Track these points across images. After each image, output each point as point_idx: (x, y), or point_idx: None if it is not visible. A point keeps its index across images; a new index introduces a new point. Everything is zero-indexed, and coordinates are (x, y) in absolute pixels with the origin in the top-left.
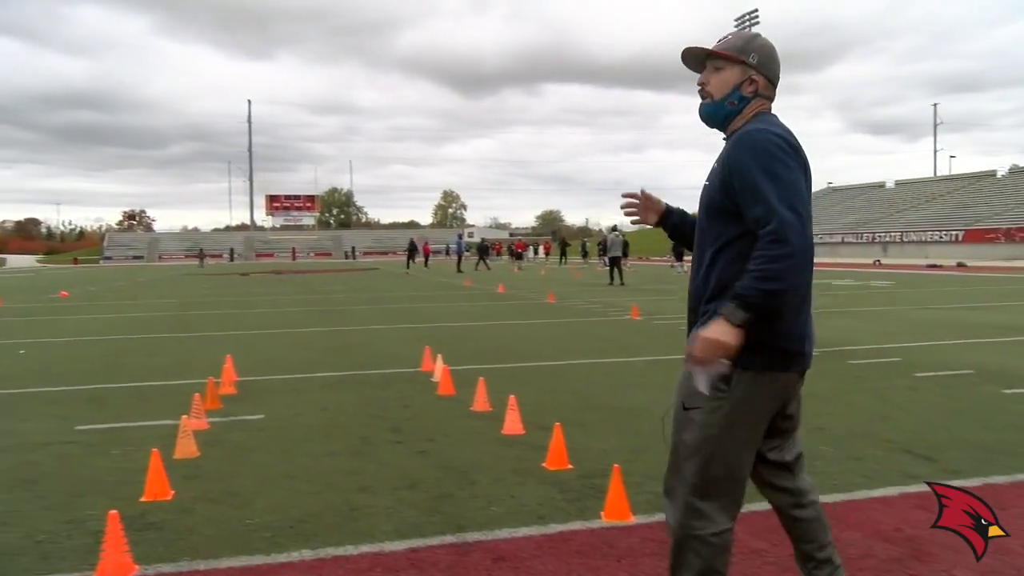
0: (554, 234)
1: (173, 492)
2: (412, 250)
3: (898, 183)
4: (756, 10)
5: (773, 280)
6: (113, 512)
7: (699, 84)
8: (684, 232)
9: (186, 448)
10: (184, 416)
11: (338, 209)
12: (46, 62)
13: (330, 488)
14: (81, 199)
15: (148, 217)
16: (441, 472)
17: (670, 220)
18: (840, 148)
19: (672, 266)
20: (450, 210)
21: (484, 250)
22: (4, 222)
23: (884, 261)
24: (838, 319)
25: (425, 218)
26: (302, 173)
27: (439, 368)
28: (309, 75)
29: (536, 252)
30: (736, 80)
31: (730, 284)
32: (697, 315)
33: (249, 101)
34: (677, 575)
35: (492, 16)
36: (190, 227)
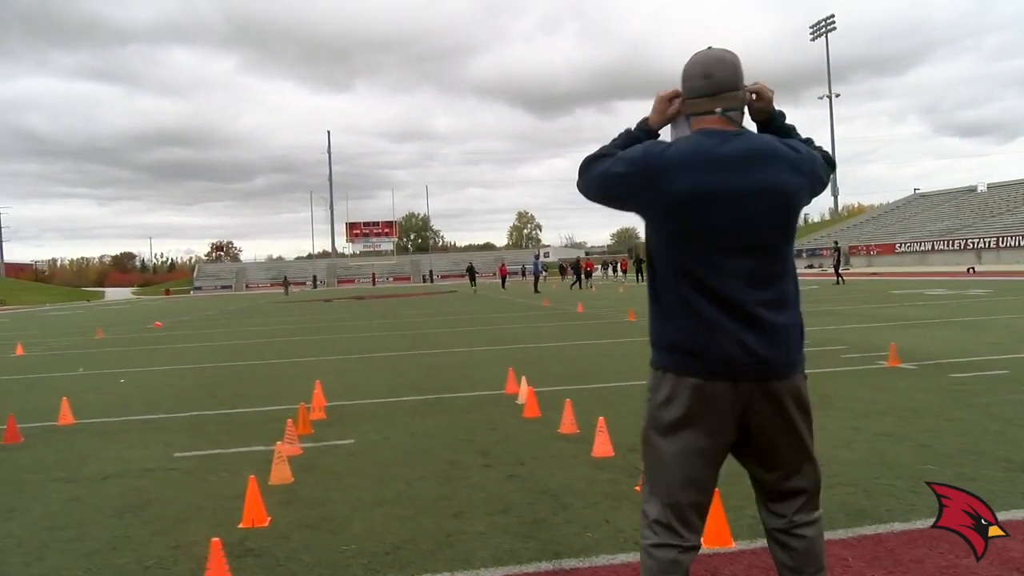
0: (630, 251)
1: (270, 518)
2: (472, 273)
3: (991, 186)
4: (832, 16)
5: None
6: (215, 540)
7: None
8: None
9: (281, 474)
10: (279, 442)
11: (415, 234)
12: (142, 104)
13: (424, 513)
14: (172, 232)
15: (235, 247)
16: (533, 496)
17: None
18: (926, 153)
19: None
20: (525, 231)
21: (579, 269)
22: (102, 257)
23: (979, 268)
24: (934, 330)
25: (500, 239)
26: (381, 200)
27: (524, 390)
28: (387, 104)
29: (615, 271)
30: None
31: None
32: None
33: (328, 132)
34: None
35: (564, 36)
36: (275, 256)
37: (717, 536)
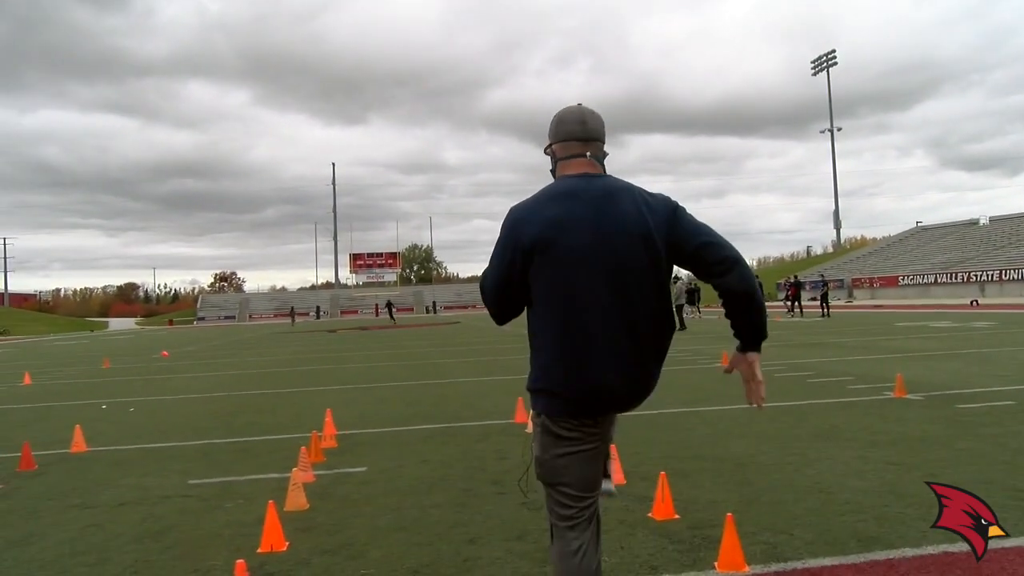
0: None
1: (288, 543)
2: (391, 308)
3: (993, 219)
4: (834, 51)
5: None
6: (240, 561)
7: None
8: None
9: (296, 500)
10: (295, 469)
11: (418, 265)
12: (157, 136)
13: (440, 539)
14: (178, 263)
15: (238, 278)
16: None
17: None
18: (932, 186)
19: None
20: None
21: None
22: (106, 287)
23: (982, 301)
24: (940, 362)
25: None
26: (386, 231)
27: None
28: (399, 137)
29: None
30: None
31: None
32: None
33: (333, 164)
34: None
35: (576, 71)
36: (278, 286)
37: (731, 560)
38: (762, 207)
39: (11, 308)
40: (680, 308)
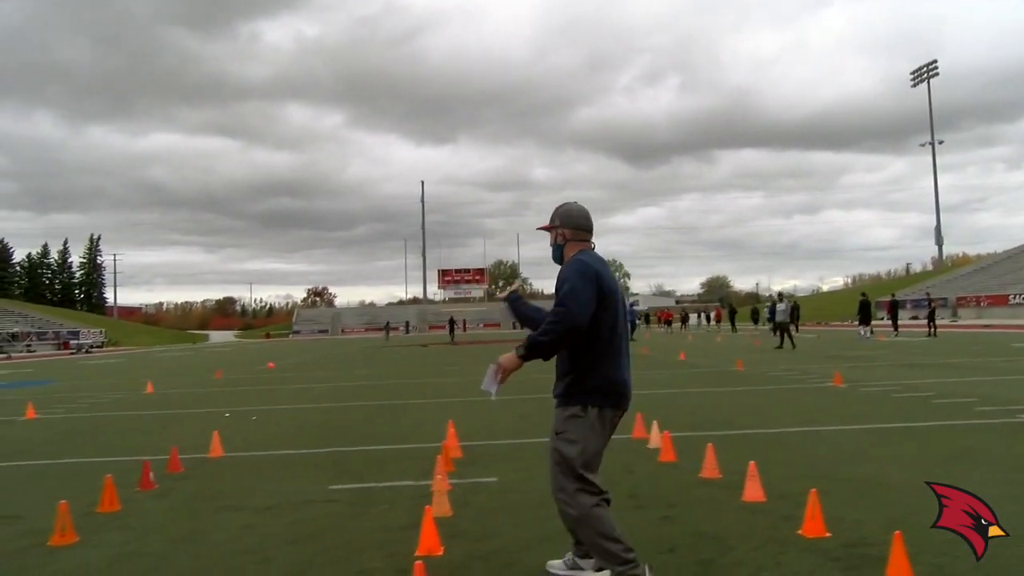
0: (722, 300)
1: (443, 548)
2: (452, 325)
3: None
4: (935, 61)
5: (546, 334)
6: (419, 563)
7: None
8: (523, 313)
9: (441, 507)
10: (438, 476)
11: (504, 281)
12: (257, 157)
13: None
14: (273, 279)
15: (330, 293)
16: (694, 538)
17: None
18: None
19: (860, 333)
20: None
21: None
22: (205, 301)
23: None
24: None
25: None
26: (473, 247)
27: (655, 434)
28: (487, 155)
29: (708, 320)
30: (553, 237)
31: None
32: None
33: (422, 183)
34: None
35: (665, 88)
36: (367, 301)
37: None
38: (857, 223)
39: (119, 320)
40: (785, 327)
